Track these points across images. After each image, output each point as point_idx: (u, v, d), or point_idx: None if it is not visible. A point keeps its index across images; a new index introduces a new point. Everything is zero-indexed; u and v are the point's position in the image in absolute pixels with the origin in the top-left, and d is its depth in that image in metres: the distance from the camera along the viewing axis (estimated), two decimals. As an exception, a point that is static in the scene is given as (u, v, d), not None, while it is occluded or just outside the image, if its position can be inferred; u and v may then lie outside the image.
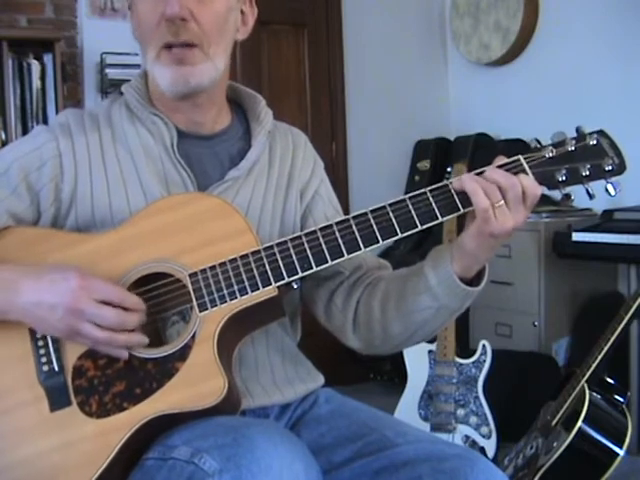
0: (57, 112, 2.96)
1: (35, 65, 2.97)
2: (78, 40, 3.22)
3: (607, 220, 2.87)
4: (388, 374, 3.39)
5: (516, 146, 3.50)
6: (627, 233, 2.69)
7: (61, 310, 1.01)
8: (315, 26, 3.76)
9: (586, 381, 2.01)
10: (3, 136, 2.93)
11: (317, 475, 0.96)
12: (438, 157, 3.81)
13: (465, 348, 2.72)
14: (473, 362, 2.51)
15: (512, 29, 3.55)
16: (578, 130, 1.08)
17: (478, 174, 1.05)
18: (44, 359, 1.06)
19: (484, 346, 2.52)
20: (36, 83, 2.98)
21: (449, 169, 2.66)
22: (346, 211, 1.35)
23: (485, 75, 3.83)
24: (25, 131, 2.96)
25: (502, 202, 1.02)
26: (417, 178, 3.83)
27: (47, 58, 2.99)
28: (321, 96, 3.79)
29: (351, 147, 3.83)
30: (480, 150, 3.62)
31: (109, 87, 3.16)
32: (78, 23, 3.22)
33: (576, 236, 2.82)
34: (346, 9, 3.79)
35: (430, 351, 2.56)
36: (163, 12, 1.12)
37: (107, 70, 3.15)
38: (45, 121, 2.98)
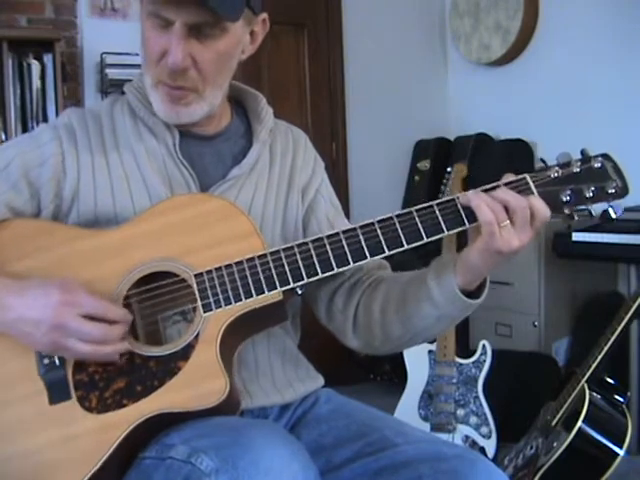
0: (57, 112, 2.96)
1: (35, 65, 2.97)
2: (78, 40, 3.22)
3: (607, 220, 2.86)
4: (388, 374, 3.39)
5: (516, 146, 3.50)
6: (627, 233, 2.69)
7: (44, 326, 1.01)
8: (315, 26, 3.76)
9: (586, 381, 2.01)
10: (3, 136, 2.92)
11: (315, 476, 0.95)
12: (438, 157, 3.80)
13: (465, 348, 2.72)
14: (473, 362, 2.51)
15: (512, 29, 3.55)
16: (583, 152, 1.09)
17: (487, 190, 1.06)
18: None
19: (484, 346, 2.52)
20: (36, 83, 2.97)
21: (449, 169, 2.66)
22: (346, 211, 1.35)
23: (485, 75, 3.83)
24: (25, 131, 2.95)
25: (508, 222, 1.02)
26: (417, 178, 3.82)
27: (47, 58, 2.99)
28: (321, 96, 3.78)
29: (351, 147, 3.83)
30: (480, 150, 3.62)
31: (109, 87, 3.16)
32: (78, 23, 3.22)
33: (576, 236, 2.82)
34: (346, 9, 3.79)
35: (430, 351, 2.56)
36: (165, 51, 1.10)
37: (107, 70, 3.15)
38: (45, 121, 2.97)
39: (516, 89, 3.66)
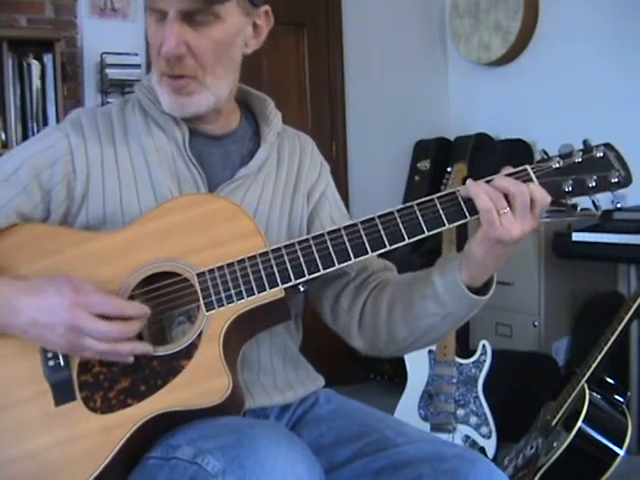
0: (57, 112, 2.97)
1: (35, 65, 2.97)
2: (78, 40, 3.22)
3: (607, 220, 2.86)
4: (388, 374, 3.39)
5: (516, 146, 3.50)
6: (627, 233, 2.69)
7: (59, 328, 1.01)
8: (315, 26, 3.77)
9: (586, 381, 2.01)
10: (3, 136, 2.92)
11: (320, 476, 0.96)
12: (438, 157, 3.81)
13: (465, 348, 2.72)
14: (473, 362, 2.51)
15: (512, 29, 3.56)
16: (585, 142, 1.08)
17: (487, 182, 1.05)
18: (50, 354, 1.06)
19: (484, 346, 2.52)
20: (36, 83, 2.98)
21: (449, 169, 2.66)
22: (347, 211, 1.35)
23: (485, 75, 3.84)
24: (25, 131, 2.96)
25: (507, 209, 1.02)
26: (417, 178, 3.82)
27: (47, 58, 2.99)
28: (321, 96, 3.79)
29: (351, 147, 3.83)
30: (480, 150, 3.62)
31: (109, 87, 3.16)
32: (78, 23, 3.22)
33: (576, 236, 2.82)
34: (346, 9, 3.79)
35: (430, 351, 2.56)
36: (163, 42, 1.11)
37: (107, 70, 3.15)
38: (45, 121, 2.98)
39: (516, 89, 3.66)
